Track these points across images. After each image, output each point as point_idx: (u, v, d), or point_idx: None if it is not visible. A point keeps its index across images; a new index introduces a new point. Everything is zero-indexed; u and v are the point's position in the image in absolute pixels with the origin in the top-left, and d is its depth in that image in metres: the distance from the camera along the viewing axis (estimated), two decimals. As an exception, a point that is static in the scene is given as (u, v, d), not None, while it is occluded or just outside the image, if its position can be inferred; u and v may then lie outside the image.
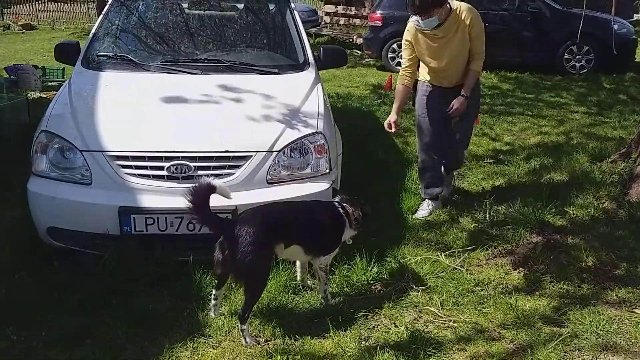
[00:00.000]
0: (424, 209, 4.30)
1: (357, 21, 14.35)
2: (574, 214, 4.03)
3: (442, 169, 4.35)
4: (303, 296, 3.17)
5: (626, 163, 4.58)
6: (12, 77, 8.31)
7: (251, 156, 3.33)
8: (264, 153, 3.36)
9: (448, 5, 3.78)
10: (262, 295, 2.94)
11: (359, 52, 12.73)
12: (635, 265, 3.42)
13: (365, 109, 7.68)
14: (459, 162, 4.53)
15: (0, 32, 18.44)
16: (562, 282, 3.26)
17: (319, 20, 15.82)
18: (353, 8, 14.90)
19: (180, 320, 2.93)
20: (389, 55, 10.85)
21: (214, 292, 2.98)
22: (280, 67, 4.20)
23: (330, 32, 14.46)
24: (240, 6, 4.87)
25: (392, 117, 4.10)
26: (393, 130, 4.14)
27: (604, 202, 4.15)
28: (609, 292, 3.17)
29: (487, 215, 4.13)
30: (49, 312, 2.95)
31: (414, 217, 4.24)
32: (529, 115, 7.30)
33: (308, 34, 14.49)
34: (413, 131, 5.12)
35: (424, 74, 4.14)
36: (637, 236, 3.71)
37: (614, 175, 4.53)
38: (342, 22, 14.69)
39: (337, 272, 3.36)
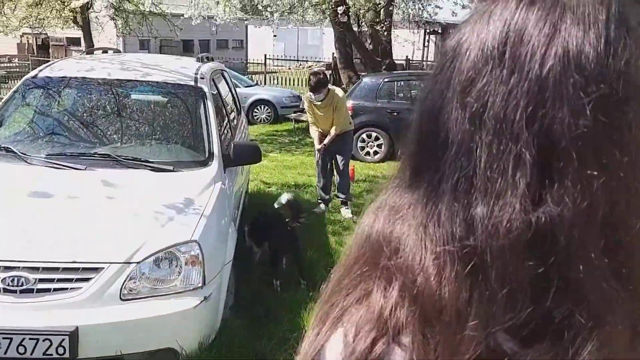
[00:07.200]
0: (318, 209, 6.51)
1: (336, 109, 14.32)
2: None
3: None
4: None
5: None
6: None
7: (103, 268, 2.94)
8: (120, 264, 2.97)
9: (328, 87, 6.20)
10: None
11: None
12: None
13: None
14: (344, 183, 6.56)
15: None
16: None
17: (302, 106, 15.82)
18: (333, 96, 14.95)
19: None
20: (359, 145, 10.62)
21: None
22: (178, 164, 3.88)
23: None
24: (147, 97, 4.64)
25: (318, 146, 6.49)
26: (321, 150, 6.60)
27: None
28: None
29: None
30: None
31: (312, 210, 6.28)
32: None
33: (288, 119, 14.53)
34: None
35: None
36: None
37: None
38: (321, 109, 14.68)
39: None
